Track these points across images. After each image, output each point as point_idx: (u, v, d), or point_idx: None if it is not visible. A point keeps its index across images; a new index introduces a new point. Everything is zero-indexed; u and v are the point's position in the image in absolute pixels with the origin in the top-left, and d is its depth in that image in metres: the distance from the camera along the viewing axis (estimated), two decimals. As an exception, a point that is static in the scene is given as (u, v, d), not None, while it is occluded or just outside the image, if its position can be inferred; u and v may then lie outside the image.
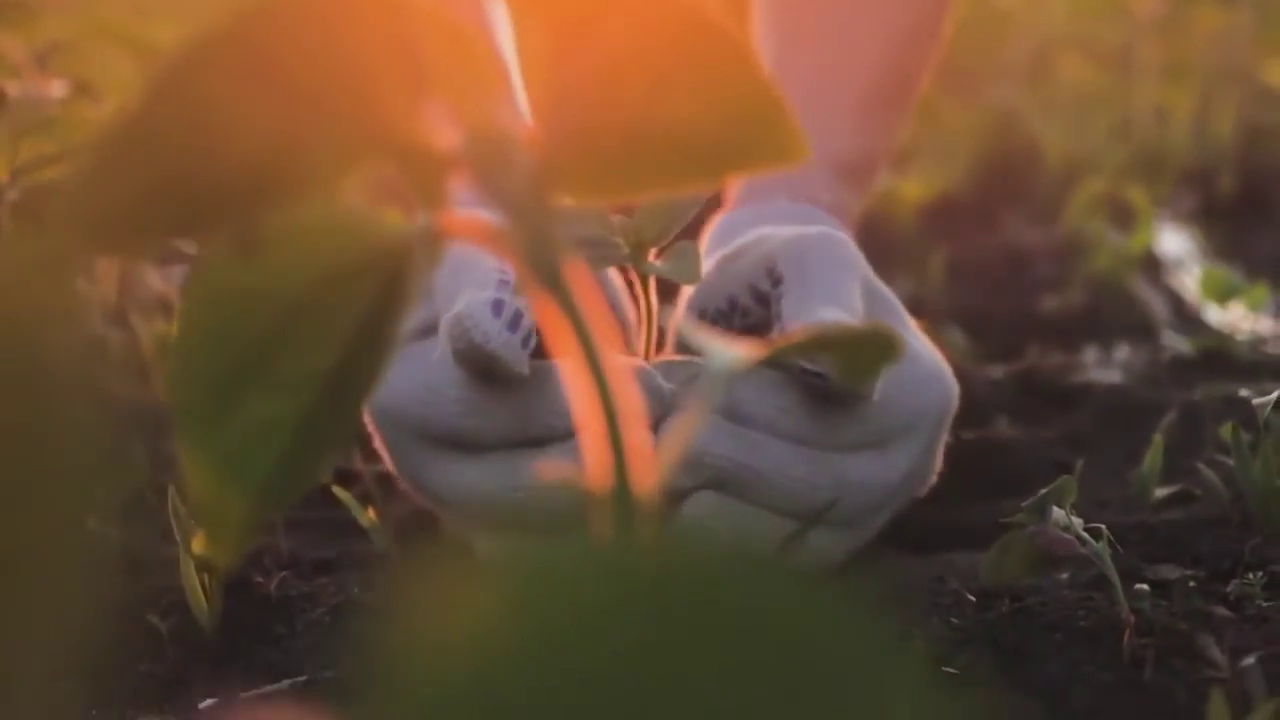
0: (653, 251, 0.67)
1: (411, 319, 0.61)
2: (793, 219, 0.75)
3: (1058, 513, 0.63)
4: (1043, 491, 0.62)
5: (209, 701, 0.62)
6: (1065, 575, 0.72)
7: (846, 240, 0.71)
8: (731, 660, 0.18)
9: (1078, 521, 0.62)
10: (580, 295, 0.38)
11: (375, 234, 0.40)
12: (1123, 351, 1.11)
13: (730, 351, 0.40)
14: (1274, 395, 0.67)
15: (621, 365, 0.38)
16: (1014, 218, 1.66)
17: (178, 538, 0.65)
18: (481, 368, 0.64)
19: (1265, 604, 0.64)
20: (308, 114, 0.36)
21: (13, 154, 0.90)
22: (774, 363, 0.64)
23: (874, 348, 0.40)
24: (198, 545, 0.64)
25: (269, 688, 0.62)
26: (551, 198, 0.39)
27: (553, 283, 0.38)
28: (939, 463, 0.72)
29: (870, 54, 0.86)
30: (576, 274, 0.38)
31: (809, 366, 0.64)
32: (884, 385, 0.66)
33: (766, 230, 0.73)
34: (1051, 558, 0.62)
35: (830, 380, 0.64)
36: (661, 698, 0.18)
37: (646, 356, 0.70)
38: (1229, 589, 0.65)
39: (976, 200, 1.74)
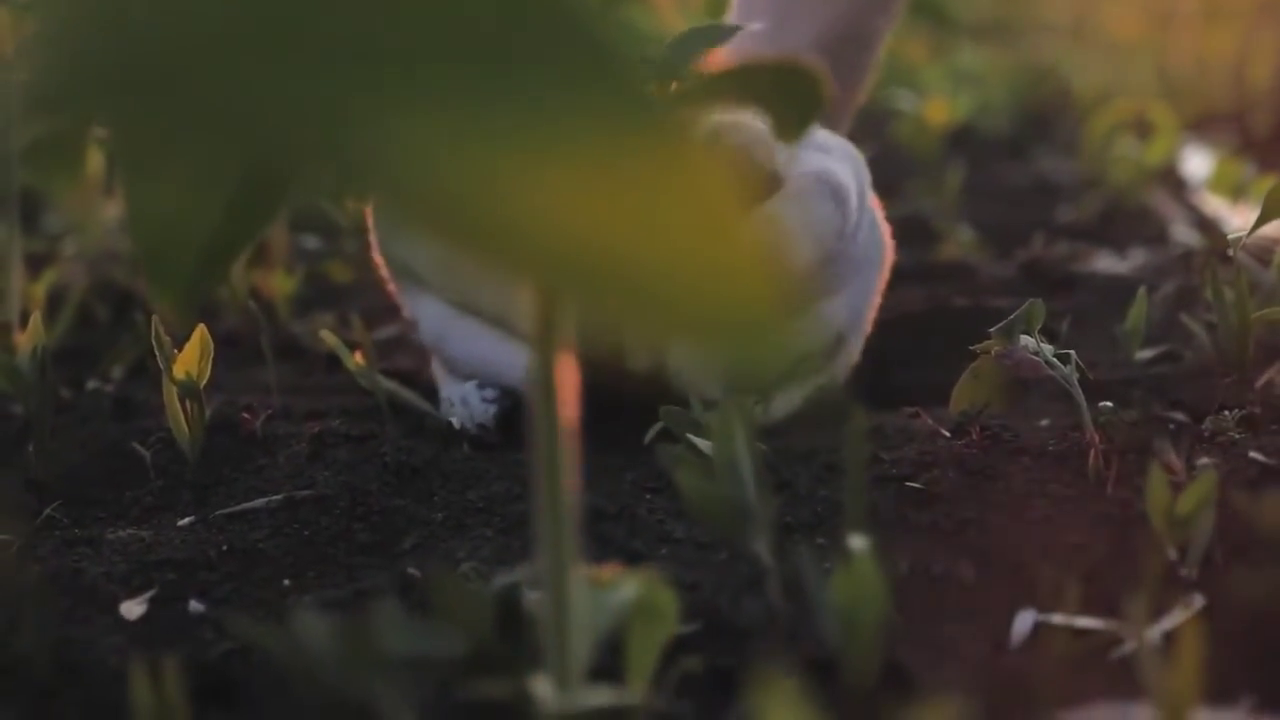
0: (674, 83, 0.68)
1: None
2: None
3: (1029, 340, 0.63)
4: (1011, 315, 0.62)
5: (187, 519, 0.63)
6: (1045, 423, 0.72)
7: None
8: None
9: (1048, 348, 0.62)
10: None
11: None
12: (1134, 253, 1.11)
13: None
14: (1245, 235, 0.66)
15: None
16: (1041, 151, 1.66)
17: (160, 364, 0.66)
18: None
19: (1238, 437, 0.64)
20: None
21: (18, 31, 0.91)
22: None
23: (801, 85, 0.40)
24: (179, 368, 0.65)
25: (245, 504, 0.63)
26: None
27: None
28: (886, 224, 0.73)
29: None
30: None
31: None
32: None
33: None
34: (1020, 381, 0.62)
35: None
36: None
37: None
38: (1204, 425, 0.65)
39: (1006, 134, 1.74)
